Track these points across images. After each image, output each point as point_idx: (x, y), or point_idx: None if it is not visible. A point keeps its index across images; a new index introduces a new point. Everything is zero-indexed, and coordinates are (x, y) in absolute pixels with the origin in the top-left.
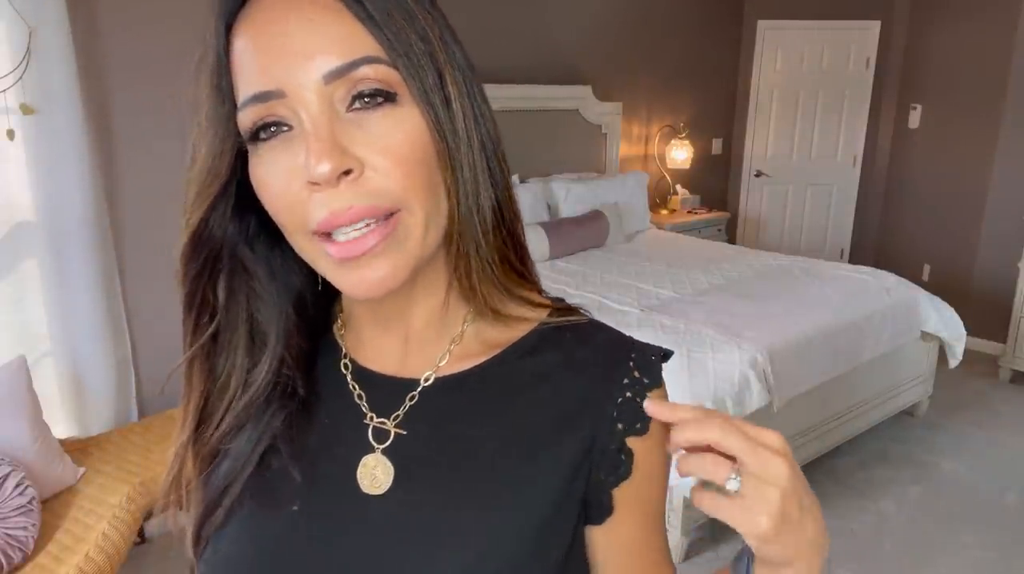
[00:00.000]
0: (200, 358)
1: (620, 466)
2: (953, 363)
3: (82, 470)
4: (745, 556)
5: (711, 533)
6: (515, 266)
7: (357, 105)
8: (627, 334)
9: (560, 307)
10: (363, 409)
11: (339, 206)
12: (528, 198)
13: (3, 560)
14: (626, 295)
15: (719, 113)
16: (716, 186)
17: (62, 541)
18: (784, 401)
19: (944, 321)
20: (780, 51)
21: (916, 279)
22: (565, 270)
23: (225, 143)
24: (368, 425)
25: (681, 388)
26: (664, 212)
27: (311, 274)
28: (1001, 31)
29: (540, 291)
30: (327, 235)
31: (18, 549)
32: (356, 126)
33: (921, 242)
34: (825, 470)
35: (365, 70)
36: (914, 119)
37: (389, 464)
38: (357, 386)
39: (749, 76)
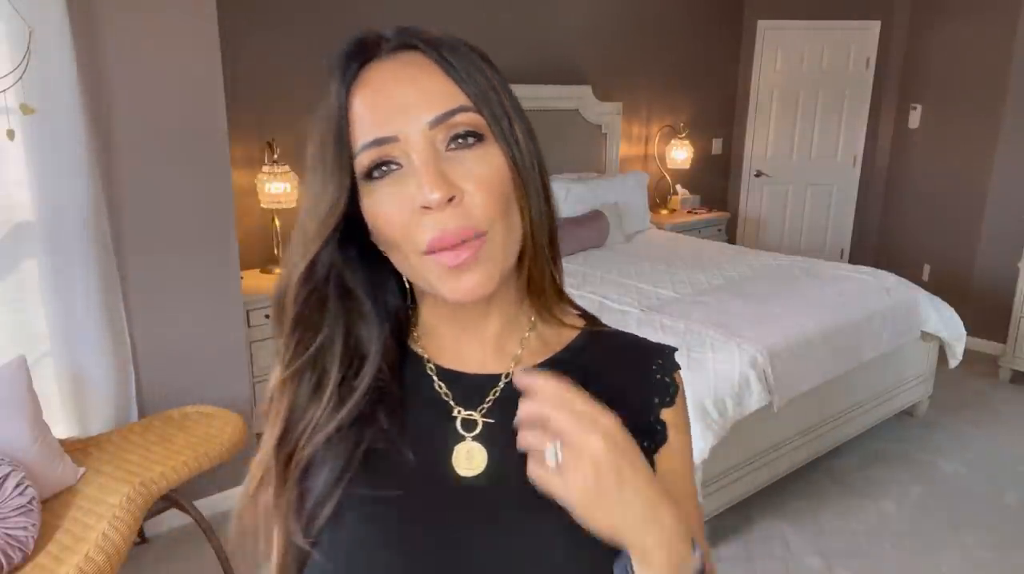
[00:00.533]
0: (296, 365)
1: (657, 434)
2: (953, 363)
3: (82, 470)
4: (624, 555)
5: (711, 533)
6: (557, 277)
7: (454, 145)
8: (654, 342)
9: (586, 315)
10: (450, 404)
11: (447, 227)
12: None
13: (3, 560)
14: (626, 295)
15: (719, 113)
16: (716, 186)
17: (62, 541)
18: (784, 401)
19: (944, 321)
20: (780, 51)
21: (916, 279)
22: (565, 270)
23: (343, 183)
24: (456, 417)
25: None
26: (664, 212)
27: (403, 294)
28: (1001, 31)
29: (571, 304)
30: (434, 252)
31: (18, 549)
32: (455, 162)
33: (921, 242)
34: (825, 470)
35: (460, 117)
36: (914, 119)
37: (482, 448)
38: (443, 385)
39: (749, 76)
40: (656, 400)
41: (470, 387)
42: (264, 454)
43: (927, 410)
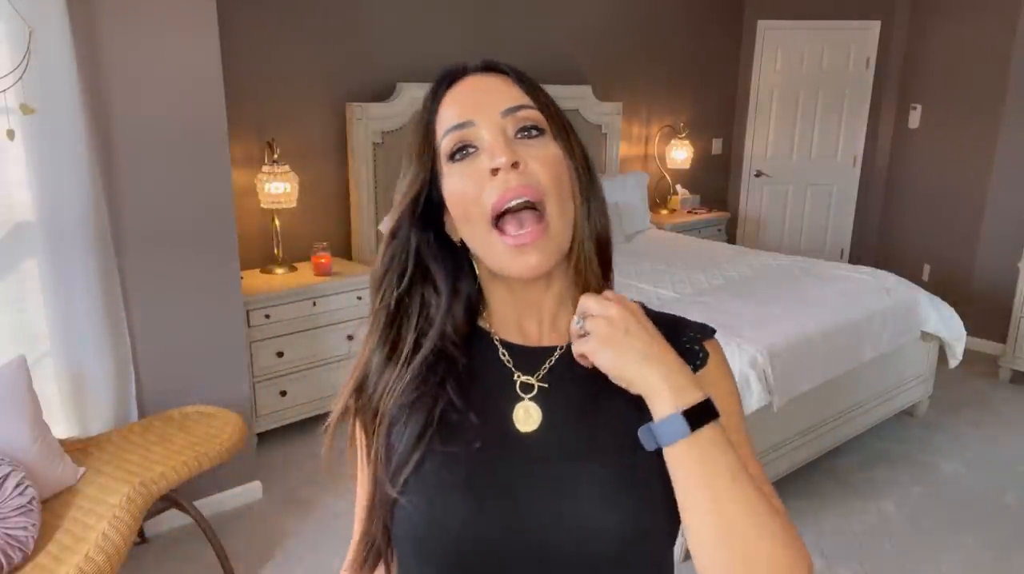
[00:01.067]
0: (377, 324)
1: None
2: (953, 363)
3: (82, 470)
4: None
5: None
6: (604, 260)
7: (521, 135)
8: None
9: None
10: (512, 370)
11: (510, 185)
12: None
13: (3, 560)
14: (626, 295)
15: (719, 113)
16: (716, 186)
17: (62, 541)
18: (784, 401)
19: (944, 321)
20: (780, 51)
21: (916, 279)
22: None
23: (426, 167)
24: (516, 381)
25: None
26: (664, 212)
27: (473, 279)
28: (1001, 31)
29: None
30: (502, 231)
31: (18, 549)
32: (521, 146)
33: (921, 242)
34: (825, 470)
35: (526, 112)
36: (914, 119)
37: (538, 408)
38: (507, 354)
39: (749, 76)
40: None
41: (529, 356)
42: (343, 395)
43: (927, 410)
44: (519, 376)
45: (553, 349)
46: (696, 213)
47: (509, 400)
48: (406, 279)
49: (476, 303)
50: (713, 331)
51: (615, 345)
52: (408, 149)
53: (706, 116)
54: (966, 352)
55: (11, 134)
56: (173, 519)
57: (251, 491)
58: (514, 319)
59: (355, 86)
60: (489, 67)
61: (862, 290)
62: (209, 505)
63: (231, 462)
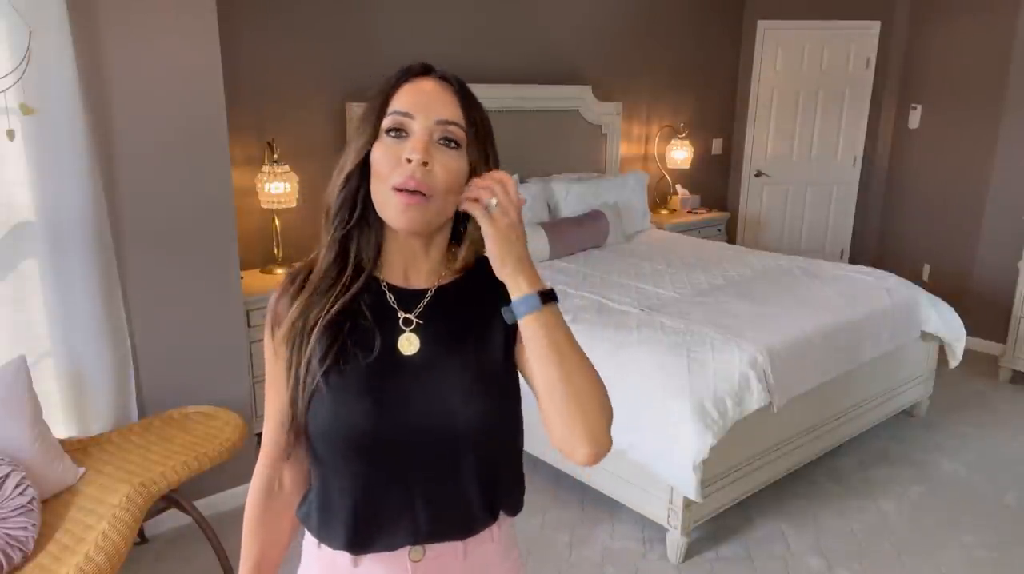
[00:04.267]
0: (329, 250)
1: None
2: (953, 363)
3: (82, 470)
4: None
5: (711, 533)
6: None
7: (442, 142)
8: None
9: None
10: (396, 307)
11: (414, 175)
12: (528, 198)
13: (3, 560)
14: (626, 295)
15: (719, 113)
16: (716, 186)
17: (62, 541)
18: (784, 401)
19: (944, 321)
20: (780, 51)
21: (916, 279)
22: (565, 270)
23: (368, 137)
24: (400, 316)
25: (681, 387)
26: (664, 212)
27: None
28: (1001, 31)
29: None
30: (398, 191)
31: (18, 549)
32: (439, 151)
33: (921, 242)
34: (825, 470)
35: (454, 128)
36: (914, 119)
37: (415, 337)
38: (392, 295)
39: (749, 76)
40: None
41: (410, 297)
42: (286, 282)
43: (927, 410)
44: (401, 313)
45: (427, 291)
46: (696, 213)
47: (394, 332)
48: (354, 216)
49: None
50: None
51: (508, 243)
52: (365, 113)
53: (706, 116)
54: (966, 352)
55: (11, 134)
56: (173, 519)
57: None
58: (401, 267)
59: (355, 86)
60: (446, 78)
61: (862, 290)
62: (209, 505)
63: (231, 462)
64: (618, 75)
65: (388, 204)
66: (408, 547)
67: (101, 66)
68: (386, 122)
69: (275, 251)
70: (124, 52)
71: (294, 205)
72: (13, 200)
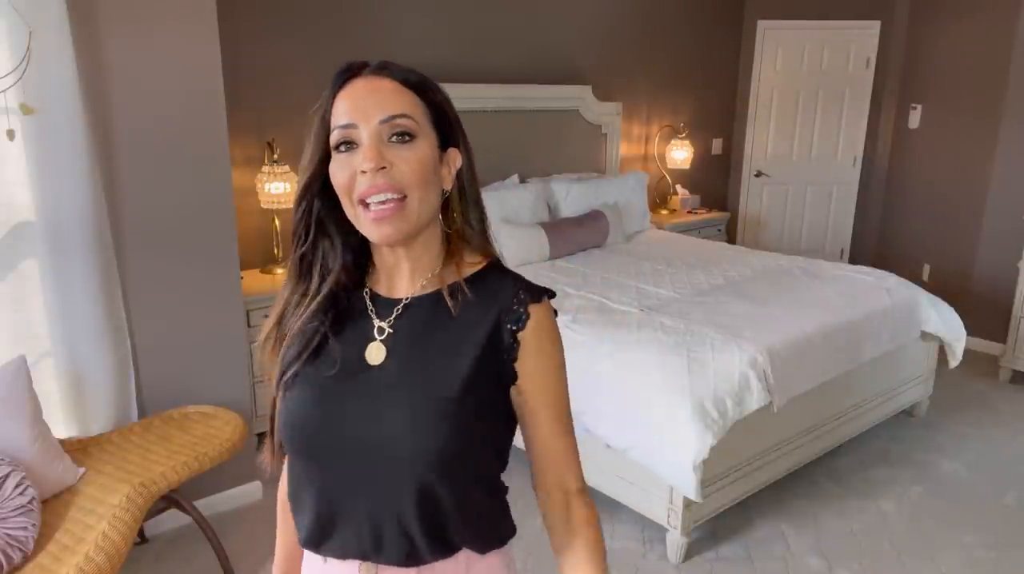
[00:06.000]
0: (292, 271)
1: (509, 346)
2: (953, 363)
3: (82, 470)
4: None
5: (711, 533)
6: (471, 239)
7: (394, 139)
8: (528, 282)
9: (492, 265)
10: (372, 316)
11: (375, 182)
12: (528, 198)
13: (3, 560)
14: (626, 295)
15: (719, 113)
16: (716, 186)
17: (62, 541)
18: (784, 401)
19: (944, 321)
20: (780, 51)
21: (916, 279)
22: (565, 270)
23: (319, 150)
24: (374, 325)
25: (681, 387)
26: (664, 212)
27: (364, 240)
28: (1001, 31)
29: (490, 255)
30: (366, 206)
31: (18, 549)
32: (394, 149)
33: (921, 242)
34: (825, 470)
35: (400, 120)
36: (914, 119)
37: (383, 347)
38: (371, 303)
39: (749, 76)
40: (510, 325)
41: (387, 306)
42: (267, 326)
43: (927, 410)
44: (376, 321)
45: (401, 300)
46: (696, 213)
47: (366, 339)
48: (309, 237)
49: (367, 264)
50: (543, 294)
51: None
52: (313, 132)
53: (706, 116)
54: (966, 352)
55: (11, 134)
56: (173, 519)
57: (251, 491)
58: (385, 275)
59: None
60: (383, 69)
61: (862, 290)
62: (209, 505)
63: (231, 462)
64: (618, 75)
65: (359, 221)
66: (358, 561)
67: (101, 66)
68: (332, 139)
69: (275, 251)
70: (124, 52)
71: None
72: (13, 200)
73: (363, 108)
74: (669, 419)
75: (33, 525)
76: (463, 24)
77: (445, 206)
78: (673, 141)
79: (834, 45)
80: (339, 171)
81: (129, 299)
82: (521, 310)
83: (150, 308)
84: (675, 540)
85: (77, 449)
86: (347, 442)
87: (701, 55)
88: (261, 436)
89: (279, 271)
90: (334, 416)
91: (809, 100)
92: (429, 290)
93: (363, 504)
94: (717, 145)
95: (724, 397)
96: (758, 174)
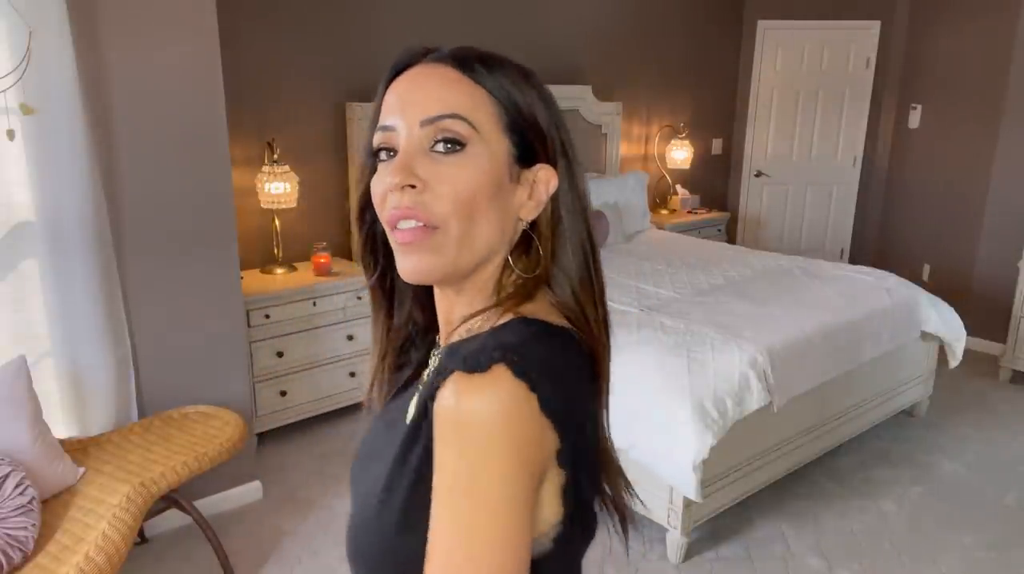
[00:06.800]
0: (376, 298)
1: (417, 438)
2: (953, 363)
3: (82, 470)
4: None
5: (711, 533)
6: (558, 292)
7: (440, 147)
8: (499, 343)
9: (518, 318)
10: (431, 365)
11: (401, 203)
12: None
13: (3, 560)
14: (626, 295)
15: (719, 113)
16: (716, 186)
17: (62, 541)
18: (784, 401)
19: (944, 321)
20: (780, 51)
21: (916, 279)
22: None
23: (368, 157)
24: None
25: (681, 387)
26: (664, 212)
27: None
28: (1001, 31)
29: (573, 318)
30: (395, 232)
31: (18, 549)
32: (434, 161)
33: (921, 242)
34: (826, 470)
35: (448, 122)
36: (914, 119)
37: (415, 405)
38: (432, 351)
39: (749, 76)
40: (428, 394)
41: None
42: (370, 369)
43: (927, 410)
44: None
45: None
46: (696, 213)
47: (415, 391)
48: (379, 264)
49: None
50: (484, 362)
51: None
52: (366, 133)
53: (706, 116)
54: (966, 352)
55: (11, 134)
56: (173, 519)
57: (251, 491)
58: (443, 318)
59: (355, 86)
60: (440, 57)
61: (862, 290)
62: (209, 505)
63: (231, 462)
64: (618, 75)
65: (393, 246)
66: None
67: (101, 66)
68: (373, 142)
69: (275, 251)
70: (124, 52)
71: (294, 205)
72: (13, 200)
73: (405, 105)
74: (669, 419)
75: (33, 525)
76: (463, 24)
77: (527, 241)
78: (673, 141)
79: (834, 45)
80: (376, 184)
81: (129, 299)
82: (440, 378)
83: (150, 308)
84: (675, 540)
85: (77, 449)
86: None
87: (701, 55)
88: (261, 436)
89: (279, 271)
90: (360, 467)
91: (809, 100)
92: (453, 339)
93: None
94: (717, 145)
95: (724, 397)
96: (758, 174)
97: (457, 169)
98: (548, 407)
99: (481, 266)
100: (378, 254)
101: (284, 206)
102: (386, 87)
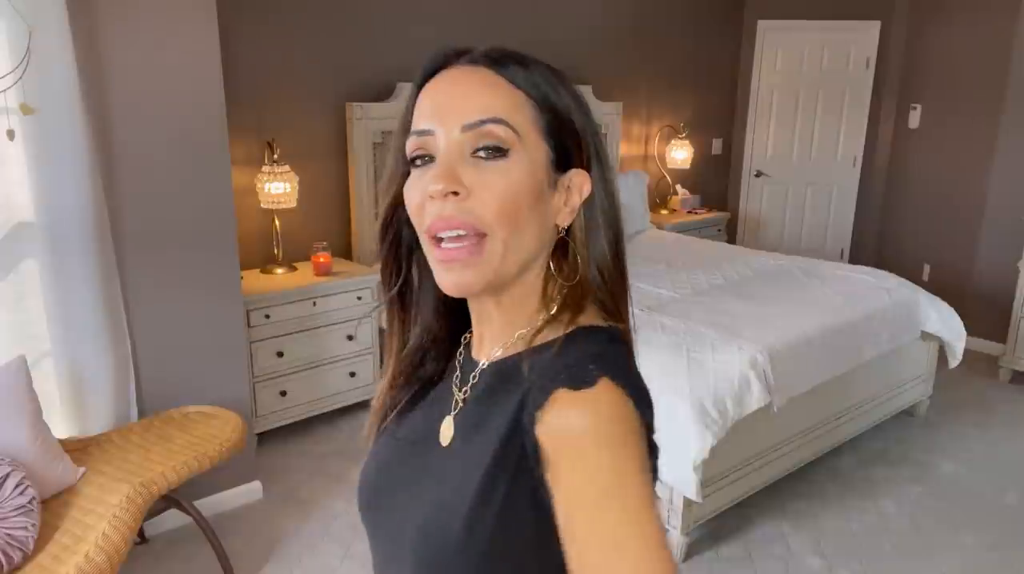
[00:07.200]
0: (394, 311)
1: (529, 453)
2: (953, 363)
3: (82, 470)
4: None
5: (711, 533)
6: (593, 298)
7: (482, 154)
8: (590, 355)
9: (579, 328)
10: (458, 383)
11: (443, 213)
12: None
13: (3, 560)
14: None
15: (719, 113)
16: (716, 186)
17: (62, 541)
18: (784, 401)
19: (944, 321)
20: (780, 51)
21: (916, 279)
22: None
23: (401, 164)
24: (455, 396)
25: (681, 388)
26: (664, 212)
27: None
28: (1001, 31)
29: (611, 322)
30: (437, 241)
31: (18, 549)
32: (476, 167)
33: (921, 242)
34: (826, 470)
35: (490, 127)
36: (914, 119)
37: (452, 425)
38: (460, 366)
39: (749, 76)
40: (526, 413)
41: (470, 369)
42: (379, 390)
43: (927, 410)
44: (455, 390)
45: (479, 364)
46: (696, 213)
47: (444, 412)
48: (402, 275)
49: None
50: (589, 376)
51: None
52: (395, 138)
53: (706, 116)
54: (966, 352)
55: (11, 134)
56: (173, 519)
57: (251, 491)
58: (477, 330)
59: (355, 86)
60: (485, 56)
61: (862, 290)
62: (209, 505)
63: (231, 462)
64: (618, 75)
65: (431, 261)
66: None
67: (101, 66)
68: (407, 147)
69: (275, 251)
70: (124, 52)
71: (294, 205)
72: (13, 200)
73: (443, 109)
74: (669, 419)
75: (33, 525)
76: (464, 24)
77: (563, 246)
78: (673, 141)
79: (834, 45)
80: (411, 191)
81: (129, 299)
82: (540, 397)
83: (150, 308)
84: (675, 540)
85: (77, 449)
86: (388, 524)
87: (701, 55)
88: (261, 436)
89: (279, 271)
90: (384, 492)
91: (809, 100)
92: (505, 354)
93: None
94: (717, 145)
95: (724, 397)
96: (758, 174)
97: (500, 176)
98: (639, 409)
99: (521, 276)
100: (401, 263)
101: (284, 206)
102: (418, 90)
